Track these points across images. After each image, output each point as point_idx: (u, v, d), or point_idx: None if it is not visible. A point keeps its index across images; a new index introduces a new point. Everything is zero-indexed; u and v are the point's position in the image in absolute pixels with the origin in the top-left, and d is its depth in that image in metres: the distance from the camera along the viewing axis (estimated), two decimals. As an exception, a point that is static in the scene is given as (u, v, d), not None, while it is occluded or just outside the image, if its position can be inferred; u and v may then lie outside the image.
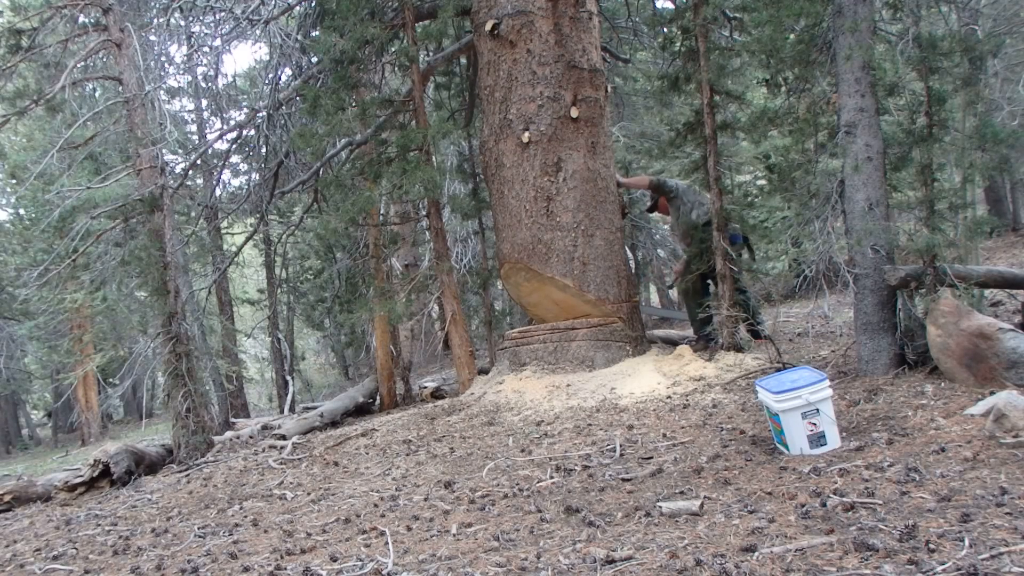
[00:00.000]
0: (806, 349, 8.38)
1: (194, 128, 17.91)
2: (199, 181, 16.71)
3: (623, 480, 4.53)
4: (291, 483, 6.22)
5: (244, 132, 12.70)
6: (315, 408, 12.30)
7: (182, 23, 12.94)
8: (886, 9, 6.42)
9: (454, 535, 3.97)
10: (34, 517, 6.90)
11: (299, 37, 11.45)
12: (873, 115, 5.80)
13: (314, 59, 11.22)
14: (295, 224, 15.58)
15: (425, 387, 12.19)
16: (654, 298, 23.28)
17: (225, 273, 16.16)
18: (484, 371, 10.16)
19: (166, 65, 14.09)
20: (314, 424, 10.42)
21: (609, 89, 9.42)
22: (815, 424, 4.38)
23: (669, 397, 6.82)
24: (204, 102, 16.59)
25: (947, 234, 5.61)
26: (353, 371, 24.19)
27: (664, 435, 5.51)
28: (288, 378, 18.72)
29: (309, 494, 5.64)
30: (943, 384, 5.21)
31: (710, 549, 3.10)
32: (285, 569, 3.76)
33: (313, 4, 11.05)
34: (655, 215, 12.01)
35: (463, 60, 11.98)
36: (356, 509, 4.88)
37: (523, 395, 7.72)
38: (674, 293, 22.06)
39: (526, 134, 8.38)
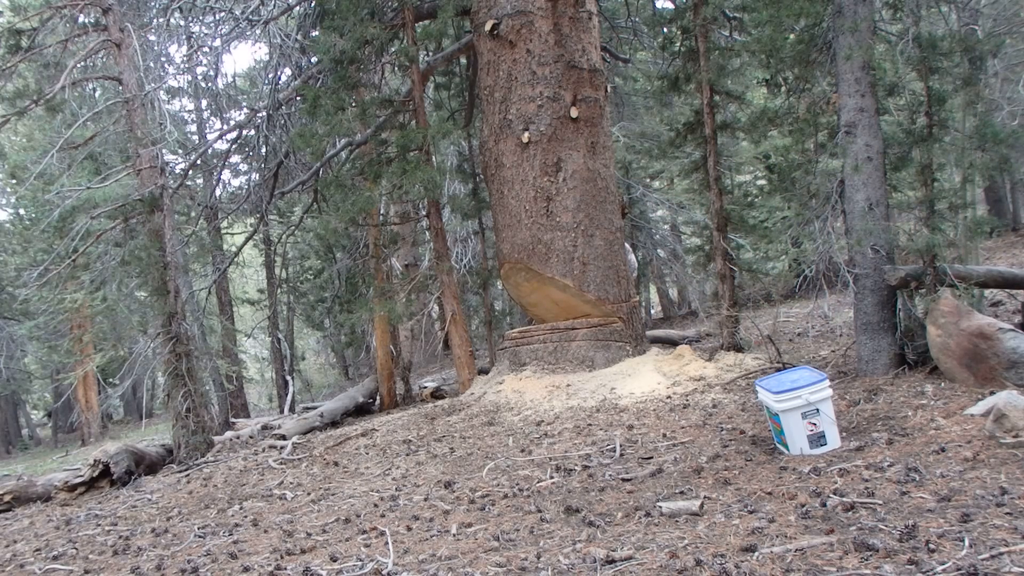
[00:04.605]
0: (806, 349, 8.38)
1: (194, 128, 17.89)
2: (199, 181, 16.69)
3: (623, 480, 4.53)
4: (291, 483, 6.22)
5: (244, 132, 12.69)
6: (315, 408, 12.30)
7: (182, 23, 12.94)
8: (886, 9, 6.43)
9: (454, 535, 3.97)
10: (34, 517, 6.90)
11: (299, 37, 11.45)
12: (873, 115, 5.80)
13: (314, 59, 11.22)
14: (295, 224, 15.59)
15: (425, 387, 12.19)
16: (654, 298, 23.27)
17: (225, 273, 16.15)
18: (484, 371, 10.16)
19: (166, 65, 14.08)
20: (314, 424, 10.42)
21: (609, 89, 9.43)
22: (815, 424, 4.38)
23: (669, 397, 6.83)
24: (204, 102, 16.58)
25: (947, 234, 5.61)
26: (353, 371, 24.18)
27: (664, 435, 5.52)
28: (288, 378, 18.71)
29: (309, 494, 5.64)
30: (943, 384, 5.21)
31: (710, 549, 3.10)
32: (285, 569, 3.77)
33: (313, 4, 11.04)
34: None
35: (463, 60, 11.98)
36: (356, 509, 4.88)
37: (523, 395, 7.72)
38: (674, 293, 22.07)
39: (526, 134, 8.38)
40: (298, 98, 11.13)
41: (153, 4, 11.71)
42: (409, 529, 4.21)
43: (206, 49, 13.55)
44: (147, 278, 9.52)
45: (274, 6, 11.35)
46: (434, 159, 9.85)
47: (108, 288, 12.58)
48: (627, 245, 9.36)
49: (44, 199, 14.62)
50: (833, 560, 2.80)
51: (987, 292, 7.28)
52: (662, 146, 11.09)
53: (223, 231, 17.97)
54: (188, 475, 7.74)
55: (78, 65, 9.68)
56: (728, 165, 10.22)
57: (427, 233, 13.03)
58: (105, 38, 9.54)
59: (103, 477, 7.88)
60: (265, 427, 11.69)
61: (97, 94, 13.49)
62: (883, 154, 5.81)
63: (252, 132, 12.49)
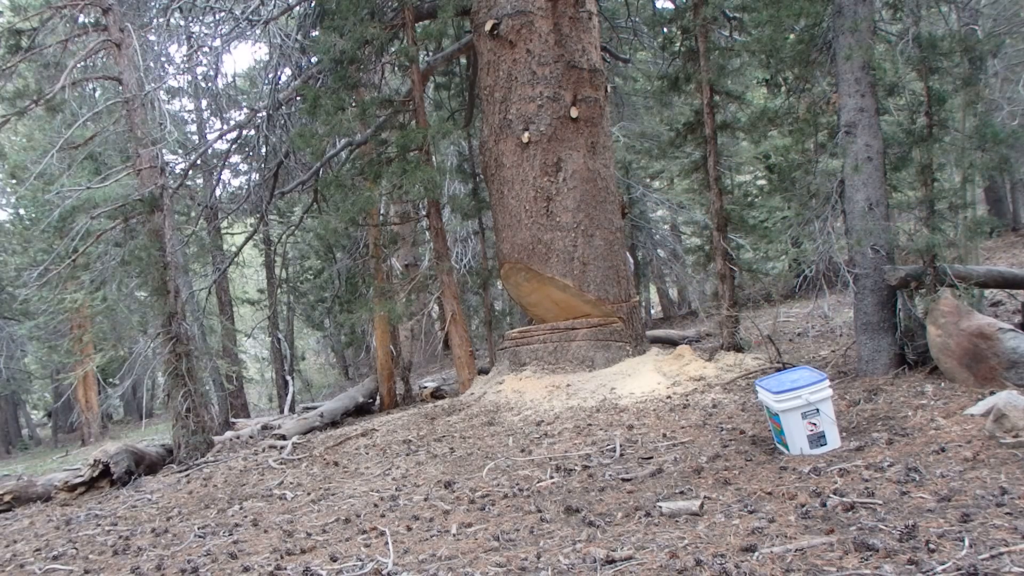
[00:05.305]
0: (806, 349, 8.38)
1: (194, 128, 17.89)
2: (199, 181, 16.69)
3: (623, 480, 4.53)
4: (291, 483, 6.22)
5: (244, 132, 12.70)
6: (315, 408, 12.30)
7: (182, 23, 12.93)
8: (886, 9, 6.43)
9: (454, 535, 3.97)
10: (34, 517, 6.90)
11: (299, 37, 11.45)
12: (873, 115, 5.80)
13: (314, 59, 11.22)
14: (295, 224, 15.58)
15: (425, 387, 12.19)
16: (654, 298, 23.26)
17: (225, 273, 16.14)
18: (484, 371, 10.16)
19: (166, 65, 14.08)
20: (314, 424, 10.42)
21: (609, 89, 9.43)
22: (815, 424, 4.38)
23: (669, 397, 6.83)
24: (204, 102, 16.58)
25: (947, 234, 5.62)
26: (353, 371, 24.17)
27: (664, 435, 5.52)
28: (288, 378, 18.70)
29: (309, 494, 5.64)
30: (943, 384, 5.21)
31: (710, 549, 3.10)
32: (285, 569, 3.76)
33: (313, 4, 11.05)
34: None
35: (463, 60, 11.98)
36: (356, 509, 4.88)
37: (523, 395, 7.72)
38: (674, 293, 22.08)
39: (526, 134, 8.38)
40: (298, 98, 11.13)
41: (153, 4, 11.71)
42: (409, 529, 4.21)
43: (206, 49, 13.55)
44: (147, 278, 9.52)
45: (274, 6, 11.35)
46: (434, 159, 9.85)
47: (108, 288, 12.58)
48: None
49: (44, 199, 14.62)
50: (833, 560, 2.80)
51: (987, 292, 7.28)
52: (662, 146, 11.09)
53: (223, 231, 17.97)
54: (188, 475, 7.74)
55: (78, 65, 9.67)
56: (728, 165, 10.22)
57: (427, 233, 13.03)
58: (105, 38, 9.54)
59: (103, 477, 7.88)
60: (265, 427, 11.69)
61: (97, 94, 13.48)
62: (883, 154, 5.81)
63: (252, 132, 12.49)
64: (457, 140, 12.79)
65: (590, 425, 6.22)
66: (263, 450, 8.34)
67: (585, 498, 4.27)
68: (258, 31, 11.63)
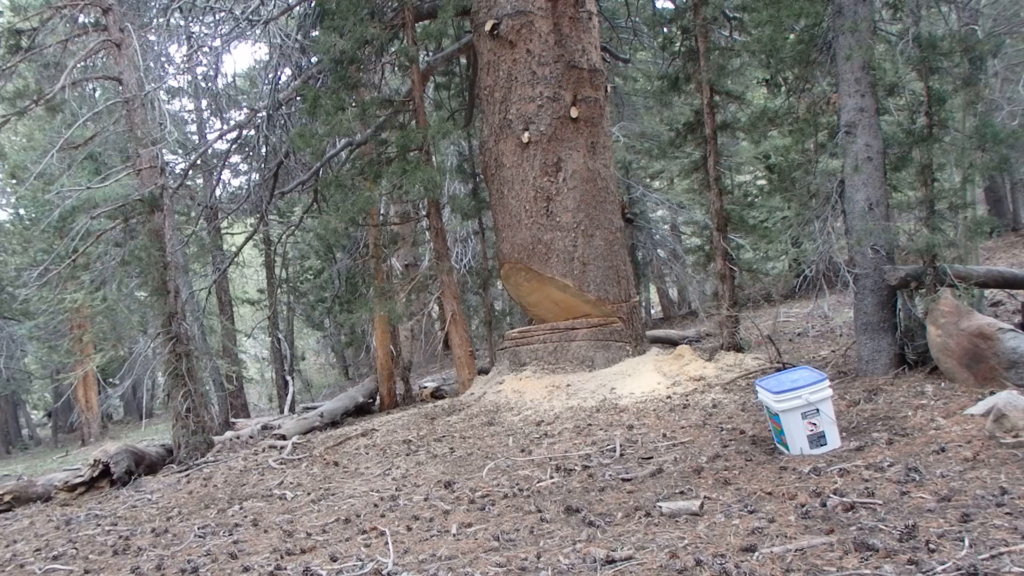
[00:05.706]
0: (806, 349, 8.39)
1: (194, 128, 17.88)
2: (199, 181, 16.70)
3: (623, 480, 4.53)
4: (291, 483, 6.21)
5: (244, 132, 12.70)
6: (315, 408, 12.30)
7: (182, 23, 12.93)
8: (886, 9, 6.43)
9: (454, 535, 3.97)
10: (34, 517, 6.90)
11: (299, 37, 11.45)
12: (873, 115, 5.80)
13: (314, 59, 11.22)
14: (295, 224, 15.59)
15: (425, 387, 12.19)
16: (654, 298, 23.26)
17: (225, 273, 16.14)
18: (484, 371, 10.16)
19: (166, 65, 14.07)
20: (314, 424, 10.42)
21: (609, 89, 9.43)
22: (815, 424, 4.38)
23: (669, 397, 6.83)
24: (204, 102, 16.57)
25: (947, 234, 5.62)
26: (353, 371, 24.16)
27: (664, 435, 5.52)
28: (288, 378, 18.70)
29: (309, 494, 5.64)
30: (943, 384, 5.21)
31: (710, 549, 3.10)
32: (285, 569, 3.76)
33: (313, 4, 11.05)
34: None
35: (463, 60, 11.98)
36: (356, 509, 4.88)
37: (523, 395, 7.72)
38: (674, 293, 22.08)
39: (526, 134, 8.38)
40: (298, 98, 11.14)
41: (153, 4, 11.71)
42: (409, 529, 4.21)
43: (206, 49, 13.54)
44: (147, 278, 9.52)
45: (274, 6, 11.35)
46: (434, 159, 9.85)
47: (108, 288, 12.58)
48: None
49: (44, 199, 14.62)
50: (833, 560, 2.80)
51: (987, 292, 7.29)
52: (662, 146, 11.09)
53: (223, 231, 17.97)
54: (188, 475, 7.74)
55: (78, 65, 9.67)
56: (728, 165, 10.24)
57: (427, 233, 13.03)
58: (105, 38, 9.54)
59: (103, 477, 7.88)
60: (265, 427, 11.69)
61: (97, 94, 13.48)
62: (883, 154, 5.81)
63: (252, 132, 12.49)
64: (457, 140, 12.79)
65: (590, 425, 6.22)
66: (263, 450, 8.34)
67: (585, 498, 4.27)
68: (258, 31, 11.63)
